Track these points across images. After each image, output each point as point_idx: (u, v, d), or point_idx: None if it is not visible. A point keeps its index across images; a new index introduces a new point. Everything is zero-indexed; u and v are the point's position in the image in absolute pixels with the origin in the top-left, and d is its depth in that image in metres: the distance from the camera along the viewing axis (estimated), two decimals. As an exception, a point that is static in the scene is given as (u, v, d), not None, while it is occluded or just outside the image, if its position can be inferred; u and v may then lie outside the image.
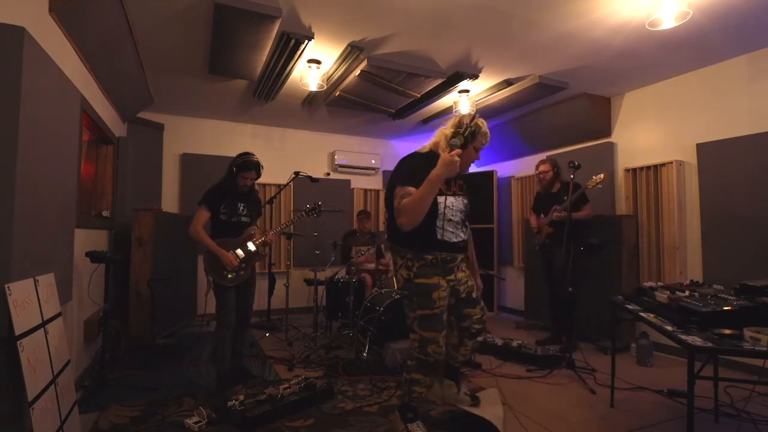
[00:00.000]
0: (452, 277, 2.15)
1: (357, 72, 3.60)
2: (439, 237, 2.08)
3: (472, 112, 2.26)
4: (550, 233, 3.89)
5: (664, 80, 3.94)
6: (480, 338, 2.44)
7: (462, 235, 2.18)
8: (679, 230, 3.72)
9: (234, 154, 2.96)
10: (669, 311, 1.98)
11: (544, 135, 5.02)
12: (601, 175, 3.55)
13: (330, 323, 4.41)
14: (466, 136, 2.04)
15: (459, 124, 2.09)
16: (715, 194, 3.50)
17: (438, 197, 2.02)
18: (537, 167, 4.09)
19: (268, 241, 3.03)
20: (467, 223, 2.26)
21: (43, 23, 2.17)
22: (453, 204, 2.12)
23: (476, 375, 3.17)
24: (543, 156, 4.72)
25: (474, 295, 2.28)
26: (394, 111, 4.76)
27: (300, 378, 2.72)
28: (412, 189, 1.95)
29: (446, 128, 2.14)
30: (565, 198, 3.60)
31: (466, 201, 2.23)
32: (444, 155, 1.89)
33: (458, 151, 1.91)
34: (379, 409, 2.58)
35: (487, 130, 2.17)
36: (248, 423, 2.29)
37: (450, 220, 2.10)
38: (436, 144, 2.14)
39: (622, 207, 4.26)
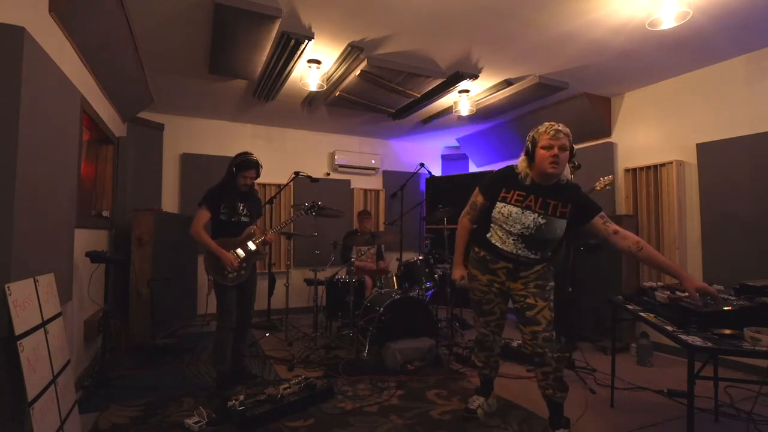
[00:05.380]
0: (498, 278, 2.28)
1: (357, 72, 3.60)
2: (487, 236, 2.27)
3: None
4: None
5: (664, 80, 3.94)
6: (548, 369, 2.15)
7: (514, 249, 2.16)
8: (679, 230, 3.72)
9: (234, 154, 2.96)
10: (669, 311, 1.98)
11: (544, 135, 5.01)
12: (610, 177, 3.50)
13: (330, 323, 4.40)
14: (527, 147, 2.15)
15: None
16: (715, 194, 3.50)
17: (498, 203, 2.20)
18: None
19: (267, 240, 3.03)
20: (552, 246, 2.20)
21: (43, 23, 2.17)
22: (512, 213, 2.14)
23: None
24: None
25: (528, 314, 2.18)
26: (394, 111, 4.76)
27: (300, 378, 2.72)
28: (481, 199, 2.29)
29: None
30: None
31: (541, 221, 2.11)
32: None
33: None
34: (379, 409, 2.58)
35: (545, 128, 2.08)
36: (248, 423, 2.29)
37: (501, 227, 2.20)
38: (521, 162, 2.22)
39: (622, 207, 4.26)
